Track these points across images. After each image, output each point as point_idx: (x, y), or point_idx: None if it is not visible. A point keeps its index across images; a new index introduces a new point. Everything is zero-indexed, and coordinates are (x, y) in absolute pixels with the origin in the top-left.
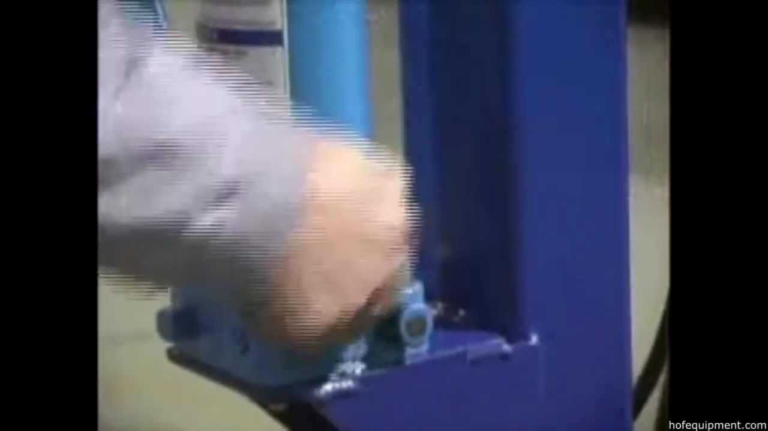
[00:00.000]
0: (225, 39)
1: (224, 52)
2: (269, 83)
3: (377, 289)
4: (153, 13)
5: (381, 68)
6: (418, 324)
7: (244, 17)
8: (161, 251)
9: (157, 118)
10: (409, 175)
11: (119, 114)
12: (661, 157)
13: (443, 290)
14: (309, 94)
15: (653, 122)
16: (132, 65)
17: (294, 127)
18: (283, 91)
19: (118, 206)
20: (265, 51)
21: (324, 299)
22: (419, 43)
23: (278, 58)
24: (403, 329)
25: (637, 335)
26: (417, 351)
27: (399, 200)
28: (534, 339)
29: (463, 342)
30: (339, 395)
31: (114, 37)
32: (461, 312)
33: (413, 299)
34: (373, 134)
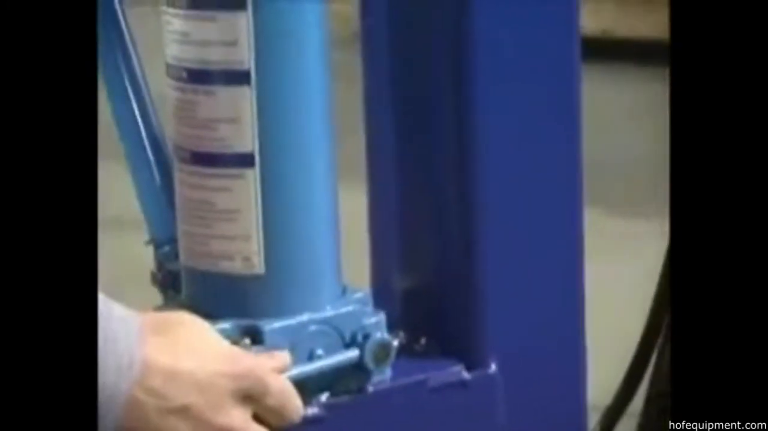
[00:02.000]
0: (195, 79)
1: (194, 92)
2: (236, 120)
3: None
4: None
5: (345, 105)
6: (381, 353)
7: (213, 58)
8: None
9: None
10: (372, 208)
11: None
12: (621, 190)
13: (405, 319)
14: (276, 132)
15: (608, 157)
16: None
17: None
18: (249, 127)
19: None
20: (234, 90)
21: None
22: (381, 83)
23: (246, 96)
24: (367, 357)
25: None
26: (380, 378)
27: (215, 346)
28: (493, 367)
29: (424, 369)
30: (305, 421)
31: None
32: (422, 341)
33: (377, 328)
34: (336, 169)
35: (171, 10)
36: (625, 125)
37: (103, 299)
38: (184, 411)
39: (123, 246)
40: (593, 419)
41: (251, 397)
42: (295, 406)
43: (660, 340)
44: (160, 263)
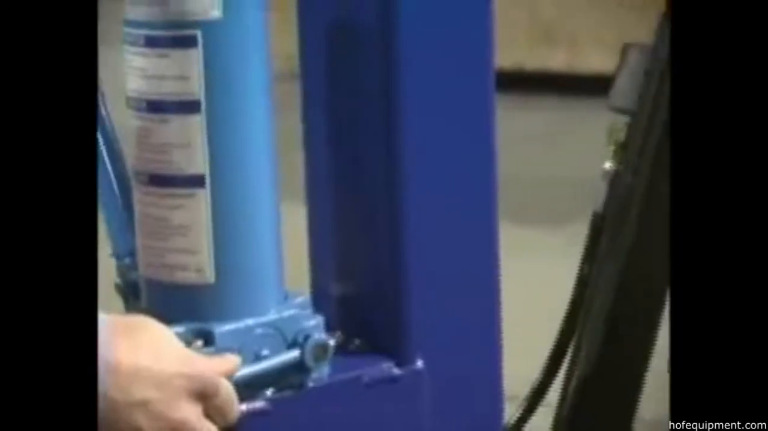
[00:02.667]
0: (152, 109)
1: (151, 120)
2: (188, 145)
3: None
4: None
5: (287, 131)
6: (320, 352)
7: (167, 90)
8: None
9: None
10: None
11: None
12: (535, 205)
13: (341, 321)
14: (223, 155)
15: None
16: None
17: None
18: (200, 151)
19: None
20: (186, 119)
21: None
22: (318, 113)
23: (197, 124)
24: (307, 356)
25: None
26: (319, 375)
27: (175, 353)
28: (419, 363)
29: (358, 367)
30: (252, 414)
31: None
32: (357, 341)
33: (316, 330)
34: (278, 187)
35: (131, 49)
36: (535, 147)
37: None
38: (143, 406)
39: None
40: (511, 408)
41: (203, 396)
42: (237, 408)
43: (575, 336)
44: (122, 273)
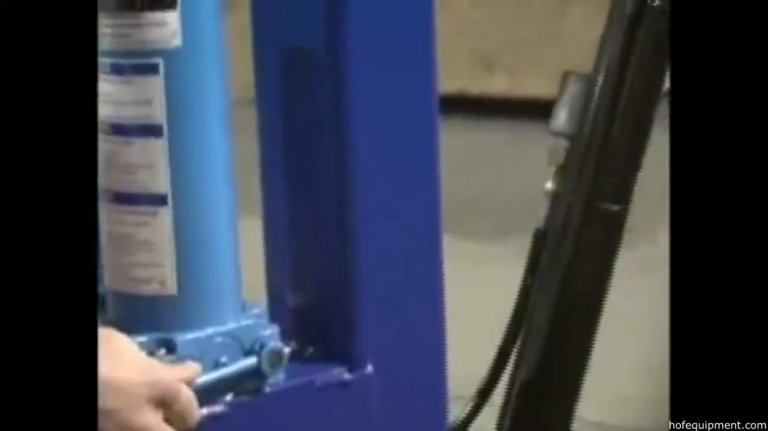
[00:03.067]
0: (117, 132)
1: (117, 143)
2: (151, 166)
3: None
4: None
5: (244, 152)
6: (275, 359)
7: (131, 114)
8: None
9: None
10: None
11: None
12: (479, 219)
13: (296, 330)
14: (184, 176)
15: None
16: None
17: None
18: (162, 172)
19: None
20: (149, 141)
21: None
22: (273, 136)
23: (159, 146)
24: (263, 363)
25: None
26: (275, 380)
27: (137, 364)
28: (369, 368)
29: (311, 372)
30: (211, 417)
31: None
32: (310, 348)
33: (272, 338)
34: (236, 204)
35: (100, 76)
36: (477, 166)
37: None
38: (108, 415)
39: None
40: (457, 408)
41: (164, 403)
42: (197, 413)
43: (518, 342)
44: None
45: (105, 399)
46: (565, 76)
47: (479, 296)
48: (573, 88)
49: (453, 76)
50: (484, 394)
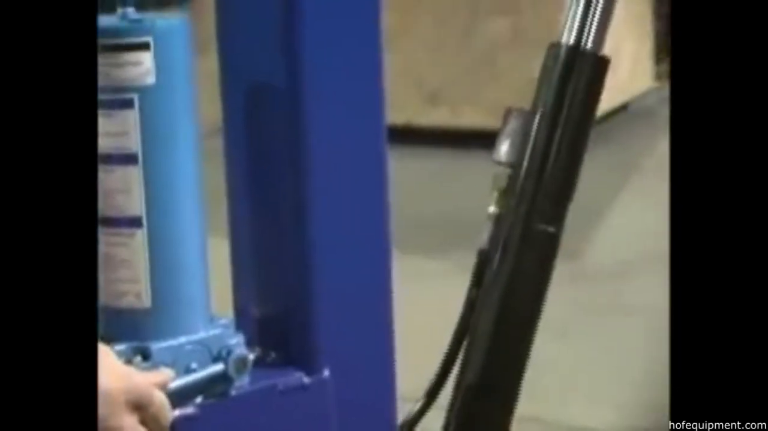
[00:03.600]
0: (100, 160)
1: (102, 170)
2: (128, 192)
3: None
4: None
5: (213, 178)
6: (241, 365)
7: (110, 144)
8: None
9: None
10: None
11: None
12: (426, 240)
13: (259, 338)
14: (158, 200)
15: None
16: None
17: None
18: (138, 196)
19: None
20: (126, 169)
21: None
22: (239, 164)
23: (135, 174)
24: (230, 369)
25: None
26: (240, 384)
27: (115, 372)
28: (326, 373)
29: (274, 377)
30: (183, 418)
31: None
32: (272, 354)
33: (237, 346)
34: (206, 226)
35: None
36: (423, 190)
37: None
38: None
39: None
40: (406, 407)
41: (139, 406)
42: (170, 415)
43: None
44: None
45: None
46: (507, 112)
47: (426, 306)
48: (514, 122)
49: (400, 110)
50: (431, 395)
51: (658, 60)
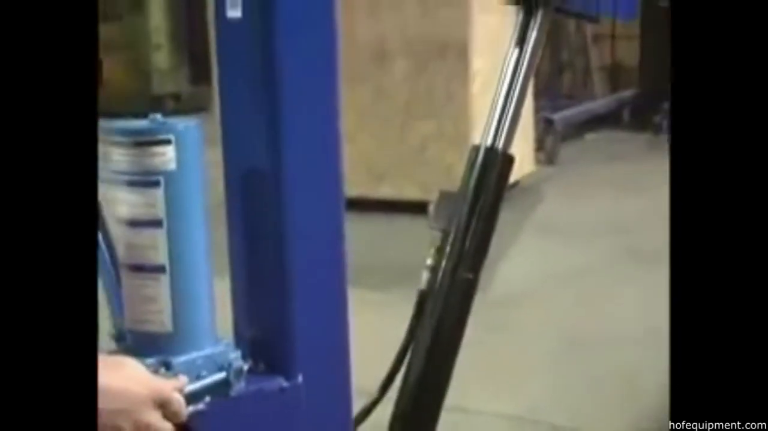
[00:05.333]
0: (132, 225)
1: (132, 232)
2: (155, 247)
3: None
4: None
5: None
6: (238, 373)
7: (141, 213)
8: None
9: None
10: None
11: None
12: (375, 280)
13: (252, 353)
14: (178, 252)
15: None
16: None
17: None
18: (162, 250)
19: None
20: (153, 231)
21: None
22: (237, 225)
23: (161, 234)
24: (231, 376)
25: None
26: (238, 388)
27: (143, 380)
28: (300, 378)
29: (262, 382)
30: (195, 413)
31: None
32: (261, 365)
33: (236, 359)
34: (212, 271)
35: (119, 188)
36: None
37: None
38: (123, 413)
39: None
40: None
41: (162, 405)
42: (185, 411)
43: (410, 350)
44: (116, 325)
45: (122, 404)
46: (441, 193)
47: (375, 327)
48: (446, 201)
49: (355, 186)
50: (382, 391)
51: (536, 151)
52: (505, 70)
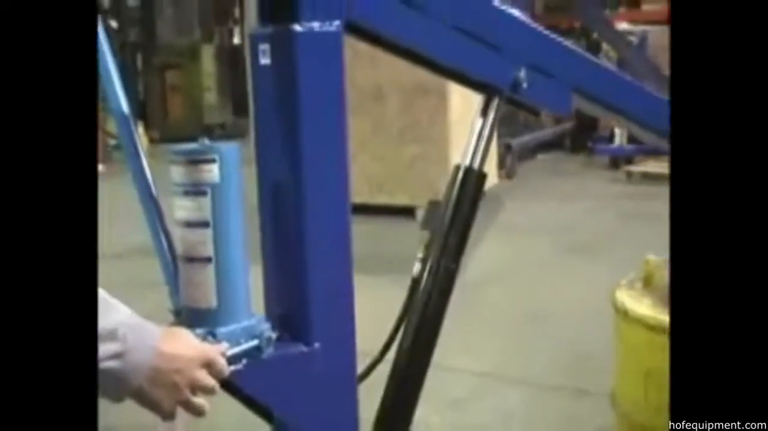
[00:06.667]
0: (187, 225)
1: (187, 231)
2: (204, 242)
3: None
4: None
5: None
6: (268, 340)
7: (194, 215)
8: None
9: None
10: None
11: None
12: (375, 267)
13: (279, 324)
14: (222, 246)
15: None
16: None
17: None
18: (209, 245)
19: None
20: (202, 230)
21: (163, 393)
22: (267, 226)
23: (208, 233)
24: (262, 343)
25: None
26: (268, 352)
27: (194, 346)
28: (317, 345)
29: (286, 347)
30: (235, 372)
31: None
32: (286, 334)
33: (267, 330)
34: (248, 260)
35: (179, 196)
36: (372, 241)
37: (141, 319)
38: (177, 371)
39: (162, 295)
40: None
41: (208, 365)
42: (227, 370)
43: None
44: (174, 303)
45: (178, 365)
46: (430, 202)
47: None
48: (434, 207)
49: (358, 194)
50: (381, 354)
51: (499, 168)
52: (473, 129)
